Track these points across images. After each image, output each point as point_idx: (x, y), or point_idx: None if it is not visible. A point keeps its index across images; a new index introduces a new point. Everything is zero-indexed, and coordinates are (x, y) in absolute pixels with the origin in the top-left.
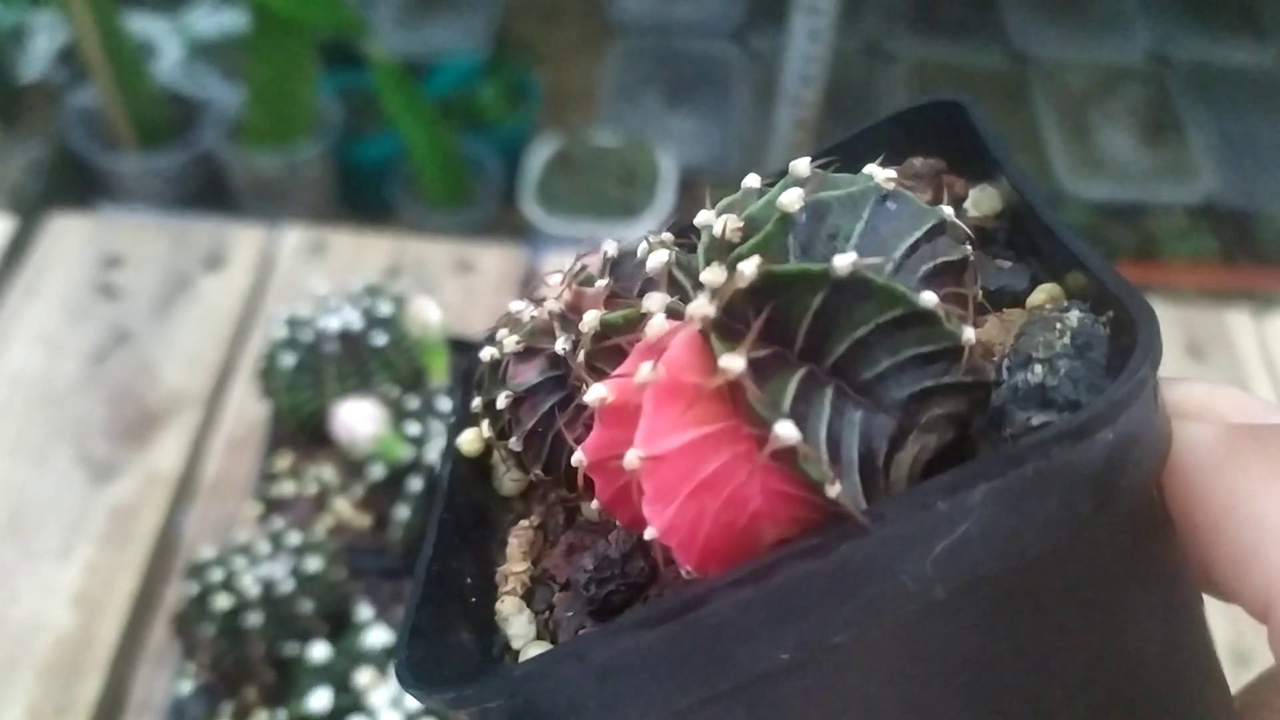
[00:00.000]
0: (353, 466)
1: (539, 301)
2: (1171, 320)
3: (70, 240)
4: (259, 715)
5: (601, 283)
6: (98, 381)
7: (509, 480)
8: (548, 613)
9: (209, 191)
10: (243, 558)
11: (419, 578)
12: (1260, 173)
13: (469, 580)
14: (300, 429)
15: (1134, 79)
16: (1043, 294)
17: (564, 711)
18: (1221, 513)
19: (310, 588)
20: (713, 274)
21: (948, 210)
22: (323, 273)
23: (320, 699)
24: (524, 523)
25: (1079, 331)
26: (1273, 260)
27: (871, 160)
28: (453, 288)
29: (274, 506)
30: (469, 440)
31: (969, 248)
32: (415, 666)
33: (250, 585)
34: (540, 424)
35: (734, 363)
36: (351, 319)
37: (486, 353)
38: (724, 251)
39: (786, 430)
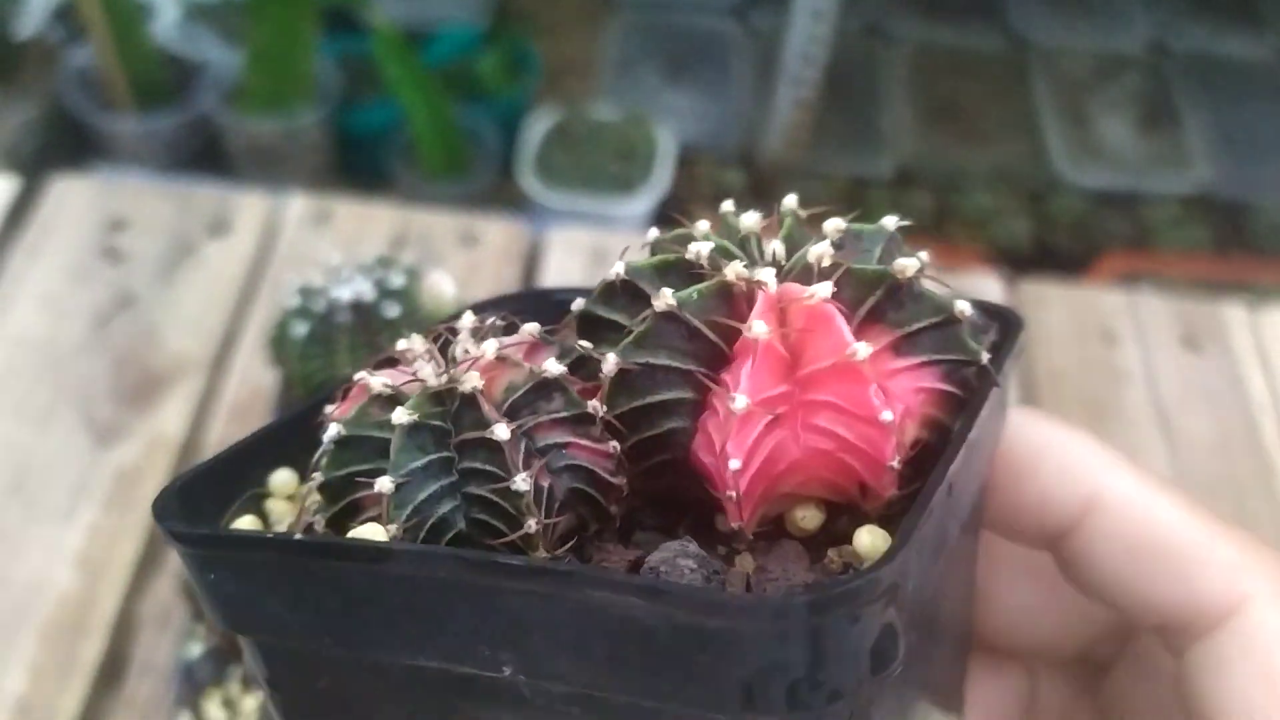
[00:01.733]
0: None
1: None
2: (1168, 312)
3: (74, 202)
4: None
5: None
6: (101, 344)
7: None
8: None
9: (205, 155)
10: None
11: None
12: (1256, 164)
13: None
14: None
15: (1133, 67)
16: None
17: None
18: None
19: None
20: (820, 250)
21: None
22: (328, 241)
23: None
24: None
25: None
26: (1265, 252)
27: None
28: (458, 260)
29: None
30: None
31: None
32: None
33: None
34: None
35: (863, 350)
36: (364, 290)
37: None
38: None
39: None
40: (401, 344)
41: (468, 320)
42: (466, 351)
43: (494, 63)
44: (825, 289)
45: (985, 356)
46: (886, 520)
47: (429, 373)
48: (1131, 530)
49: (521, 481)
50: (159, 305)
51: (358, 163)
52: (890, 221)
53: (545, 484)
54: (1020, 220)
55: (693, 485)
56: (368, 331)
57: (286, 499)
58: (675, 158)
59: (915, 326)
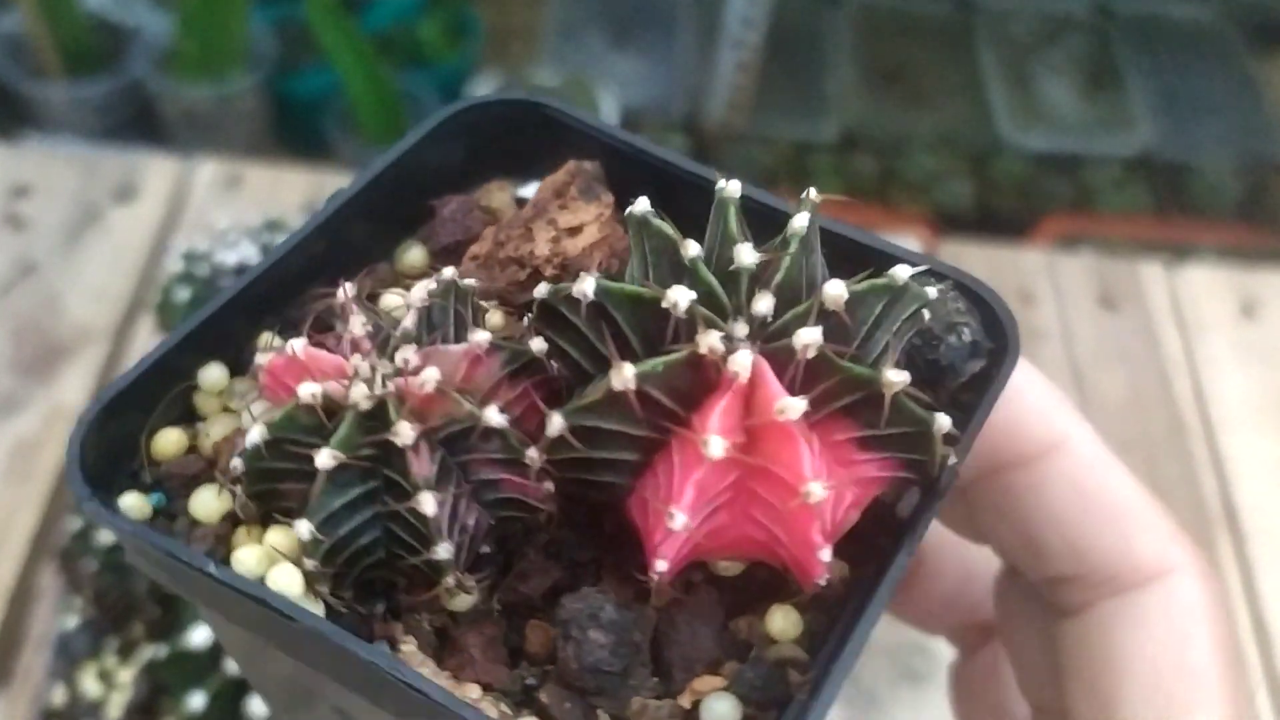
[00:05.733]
0: None
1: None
2: (1086, 272)
3: None
4: (144, 650)
5: (482, 336)
6: (2, 313)
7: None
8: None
9: (138, 123)
10: None
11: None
12: (1197, 127)
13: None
14: None
15: (1077, 30)
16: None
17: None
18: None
19: None
20: (766, 304)
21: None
22: (237, 207)
23: (202, 634)
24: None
25: (958, 307)
26: (1204, 213)
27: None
28: None
29: None
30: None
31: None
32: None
33: None
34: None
35: (794, 406)
36: (249, 254)
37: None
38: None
39: (817, 489)
40: (345, 327)
41: (419, 295)
42: (406, 362)
43: (435, 28)
44: (797, 408)
45: (951, 459)
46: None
47: (359, 393)
48: (1090, 478)
49: (444, 550)
50: (61, 273)
51: (296, 130)
52: (901, 272)
53: (471, 522)
54: (963, 183)
55: (622, 528)
56: None
57: (216, 396)
58: (618, 122)
59: (888, 432)
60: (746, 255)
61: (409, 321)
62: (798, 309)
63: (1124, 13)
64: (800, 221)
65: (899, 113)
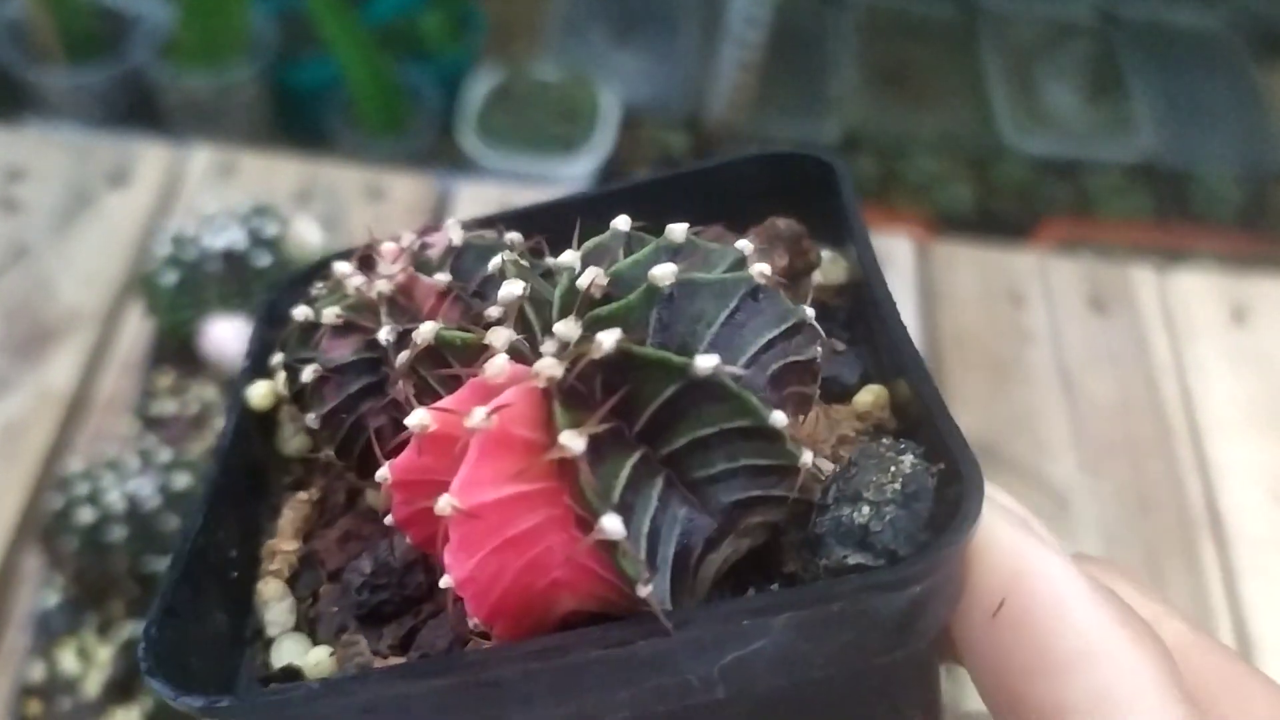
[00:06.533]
0: (232, 386)
1: (369, 268)
2: (1077, 274)
3: None
4: (123, 628)
5: (442, 277)
6: None
7: (294, 441)
8: (311, 602)
9: (138, 110)
10: (111, 473)
11: (181, 551)
12: (1199, 135)
13: (233, 553)
14: (182, 349)
15: (1081, 35)
16: (870, 396)
17: None
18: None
19: (177, 504)
20: (567, 328)
21: (809, 312)
22: (230, 194)
23: None
24: (301, 495)
25: (910, 479)
26: (1205, 220)
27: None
28: (362, 214)
29: (152, 425)
30: (259, 394)
31: (819, 350)
32: (162, 658)
33: (116, 500)
34: (343, 406)
35: (575, 443)
36: (236, 238)
37: (300, 312)
38: (584, 306)
39: (613, 524)
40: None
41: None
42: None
43: (437, 21)
44: (554, 367)
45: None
46: None
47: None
48: (1044, 621)
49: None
50: (54, 257)
51: (297, 121)
52: (744, 244)
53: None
54: (964, 186)
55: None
56: (239, 281)
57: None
58: (619, 119)
59: (709, 431)
60: (567, 259)
61: (435, 251)
62: (614, 305)
63: (1128, 19)
64: (623, 223)
65: (901, 114)
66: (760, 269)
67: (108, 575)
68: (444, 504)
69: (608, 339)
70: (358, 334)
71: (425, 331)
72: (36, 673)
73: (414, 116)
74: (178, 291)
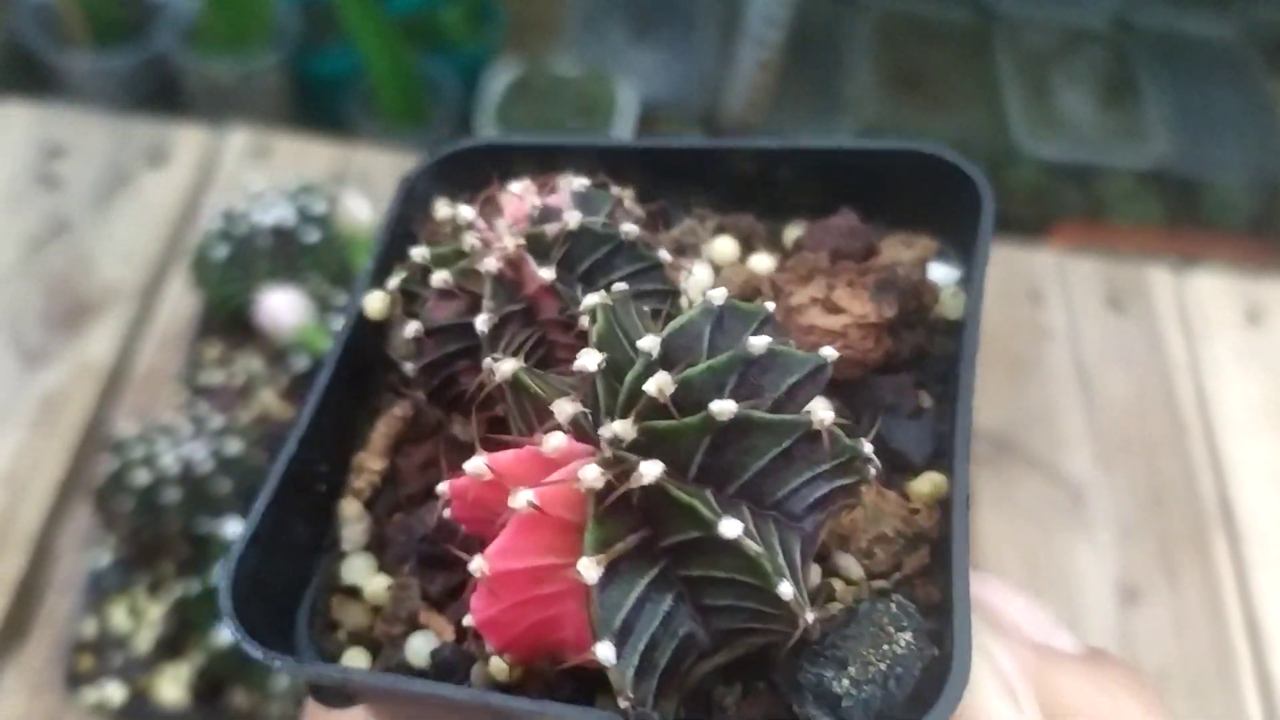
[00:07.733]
0: (278, 357)
1: (492, 214)
2: (1095, 273)
3: (13, 128)
4: (174, 587)
5: (547, 274)
6: (34, 270)
7: (404, 341)
8: (386, 518)
9: (161, 95)
10: (165, 437)
11: (276, 472)
12: (1211, 143)
13: (323, 467)
14: (230, 321)
15: (1096, 42)
16: (928, 487)
17: (343, 700)
18: None
19: (229, 468)
20: (624, 429)
21: (867, 449)
22: (266, 176)
23: None
24: (396, 410)
25: (899, 661)
26: (1217, 228)
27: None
28: None
29: (200, 393)
30: (375, 301)
31: (873, 471)
32: (241, 597)
33: (170, 463)
34: (440, 362)
35: (590, 573)
36: (285, 215)
37: (418, 253)
38: (645, 411)
39: (605, 653)
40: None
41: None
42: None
43: (458, 14)
44: (597, 479)
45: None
46: None
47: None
48: None
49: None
50: (93, 233)
51: (317, 109)
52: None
53: None
54: None
55: None
56: (287, 256)
57: None
58: (636, 115)
59: (722, 575)
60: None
61: (553, 228)
62: (672, 424)
63: (1143, 27)
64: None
65: (915, 116)
66: (822, 417)
67: (160, 536)
68: (476, 566)
69: (650, 471)
70: (462, 299)
71: (504, 370)
72: (88, 629)
73: (433, 108)
74: (228, 265)
